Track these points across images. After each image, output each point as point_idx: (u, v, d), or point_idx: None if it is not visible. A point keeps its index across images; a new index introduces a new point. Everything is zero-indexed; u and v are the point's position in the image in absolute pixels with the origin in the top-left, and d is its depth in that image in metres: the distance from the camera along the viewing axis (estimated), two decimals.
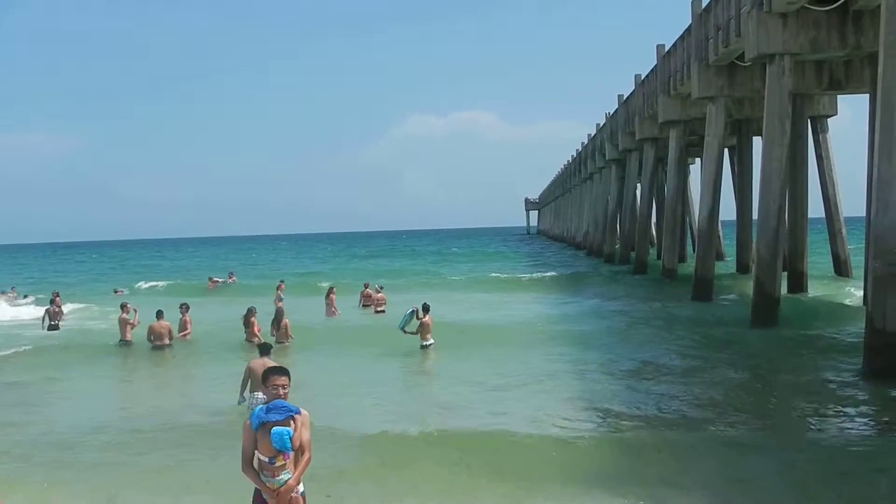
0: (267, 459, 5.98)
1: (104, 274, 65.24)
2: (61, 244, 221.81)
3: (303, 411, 6.19)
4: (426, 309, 18.97)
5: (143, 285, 47.18)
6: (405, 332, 18.85)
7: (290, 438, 5.99)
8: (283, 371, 6.30)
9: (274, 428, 5.97)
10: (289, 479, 6.01)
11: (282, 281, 34.92)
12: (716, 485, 8.67)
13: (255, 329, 19.60)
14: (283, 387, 6.16)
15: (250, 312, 20.03)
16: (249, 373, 12.69)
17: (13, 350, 20.22)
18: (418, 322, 18.77)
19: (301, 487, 6.16)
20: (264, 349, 12.97)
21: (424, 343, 18.61)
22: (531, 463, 9.54)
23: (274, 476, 5.98)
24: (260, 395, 12.40)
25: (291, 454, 6.01)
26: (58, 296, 30.89)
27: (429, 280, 44.55)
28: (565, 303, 29.97)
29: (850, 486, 8.55)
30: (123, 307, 21.20)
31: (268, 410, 6.05)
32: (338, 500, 8.53)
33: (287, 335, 19.59)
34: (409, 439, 10.81)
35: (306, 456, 6.12)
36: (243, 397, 12.69)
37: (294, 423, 6.04)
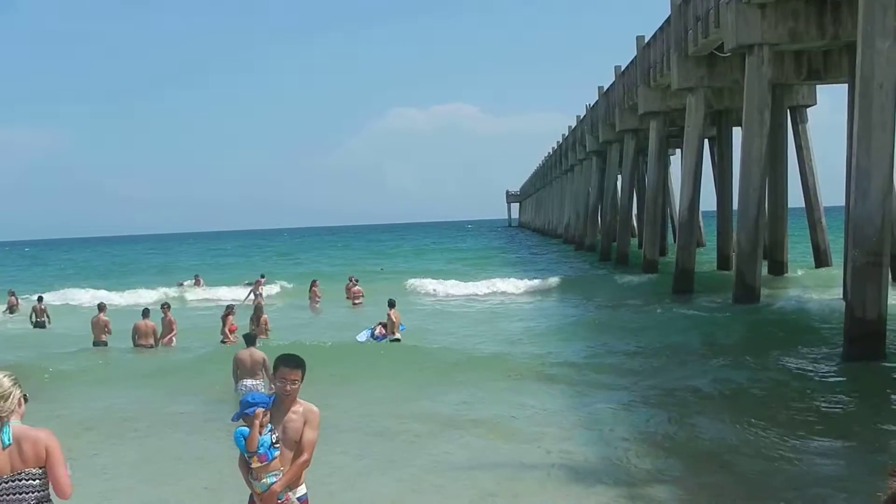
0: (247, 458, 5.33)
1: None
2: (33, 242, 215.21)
3: (313, 407, 5.36)
4: (391, 304, 19.11)
5: None
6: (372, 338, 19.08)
7: (246, 438, 5.20)
8: (295, 362, 5.31)
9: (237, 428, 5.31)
10: (273, 483, 5.22)
11: (262, 276, 34.66)
12: None
13: (230, 328, 18.95)
14: (293, 381, 5.25)
15: (228, 310, 19.52)
16: (236, 363, 12.87)
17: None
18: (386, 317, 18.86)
19: (302, 490, 5.38)
20: (249, 339, 13.29)
21: (391, 337, 18.66)
22: None
23: (257, 479, 5.26)
24: (248, 381, 12.45)
25: (277, 455, 5.23)
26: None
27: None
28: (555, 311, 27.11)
29: None
30: (101, 307, 20.13)
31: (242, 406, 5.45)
32: None
33: (265, 330, 19.22)
34: None
35: (303, 458, 5.26)
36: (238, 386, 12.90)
37: (256, 418, 5.21)
